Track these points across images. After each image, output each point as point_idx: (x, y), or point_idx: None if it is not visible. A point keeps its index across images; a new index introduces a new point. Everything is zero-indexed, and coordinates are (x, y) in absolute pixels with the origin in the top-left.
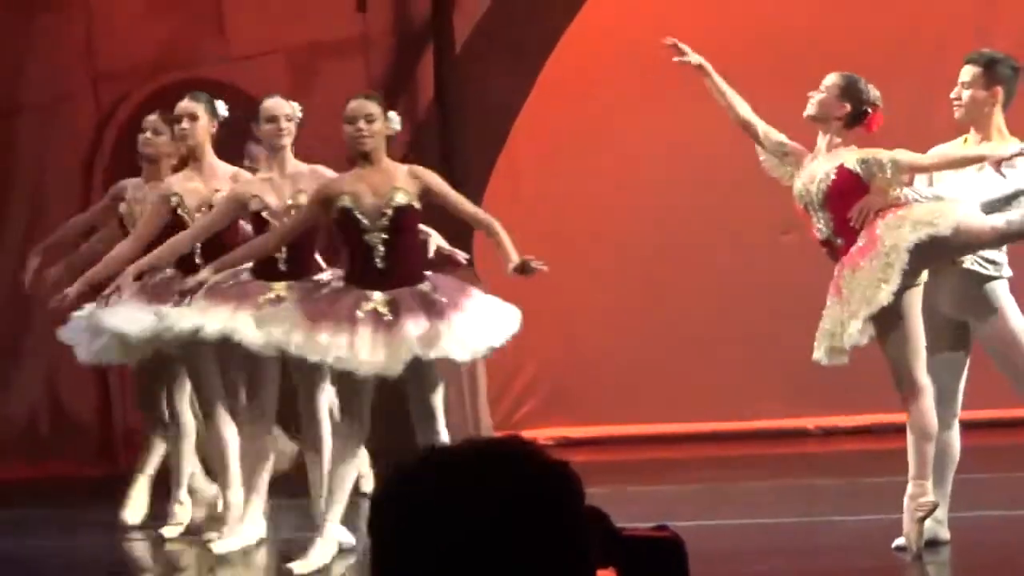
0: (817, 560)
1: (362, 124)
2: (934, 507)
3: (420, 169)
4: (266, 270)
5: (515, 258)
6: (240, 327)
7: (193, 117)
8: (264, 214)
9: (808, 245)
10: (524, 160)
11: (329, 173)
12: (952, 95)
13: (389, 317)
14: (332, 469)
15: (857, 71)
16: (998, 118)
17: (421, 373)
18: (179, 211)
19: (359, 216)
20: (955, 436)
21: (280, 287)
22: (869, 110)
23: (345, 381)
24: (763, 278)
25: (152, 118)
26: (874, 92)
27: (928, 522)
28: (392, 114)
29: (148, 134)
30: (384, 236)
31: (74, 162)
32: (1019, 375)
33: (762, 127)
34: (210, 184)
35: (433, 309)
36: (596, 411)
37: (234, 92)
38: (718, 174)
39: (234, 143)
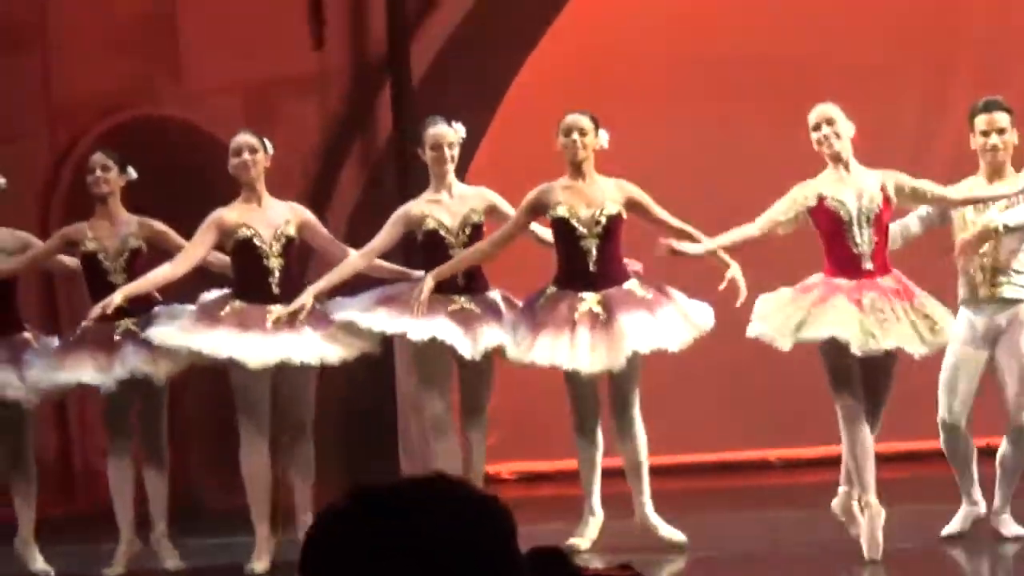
0: None
1: (576, 136)
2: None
3: (625, 183)
4: (444, 283)
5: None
6: (444, 331)
7: (253, 150)
8: (441, 232)
9: (763, 279)
10: None
11: (491, 194)
12: (992, 142)
13: (604, 316)
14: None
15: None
16: None
17: (627, 366)
18: (255, 241)
19: (575, 224)
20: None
21: (462, 300)
22: None
23: (571, 380)
24: (727, 316)
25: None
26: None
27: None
28: (602, 131)
29: (98, 172)
30: (597, 242)
31: (30, 199)
32: (1017, 394)
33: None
34: (272, 216)
35: (643, 305)
36: (559, 445)
37: (191, 129)
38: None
39: (197, 181)
